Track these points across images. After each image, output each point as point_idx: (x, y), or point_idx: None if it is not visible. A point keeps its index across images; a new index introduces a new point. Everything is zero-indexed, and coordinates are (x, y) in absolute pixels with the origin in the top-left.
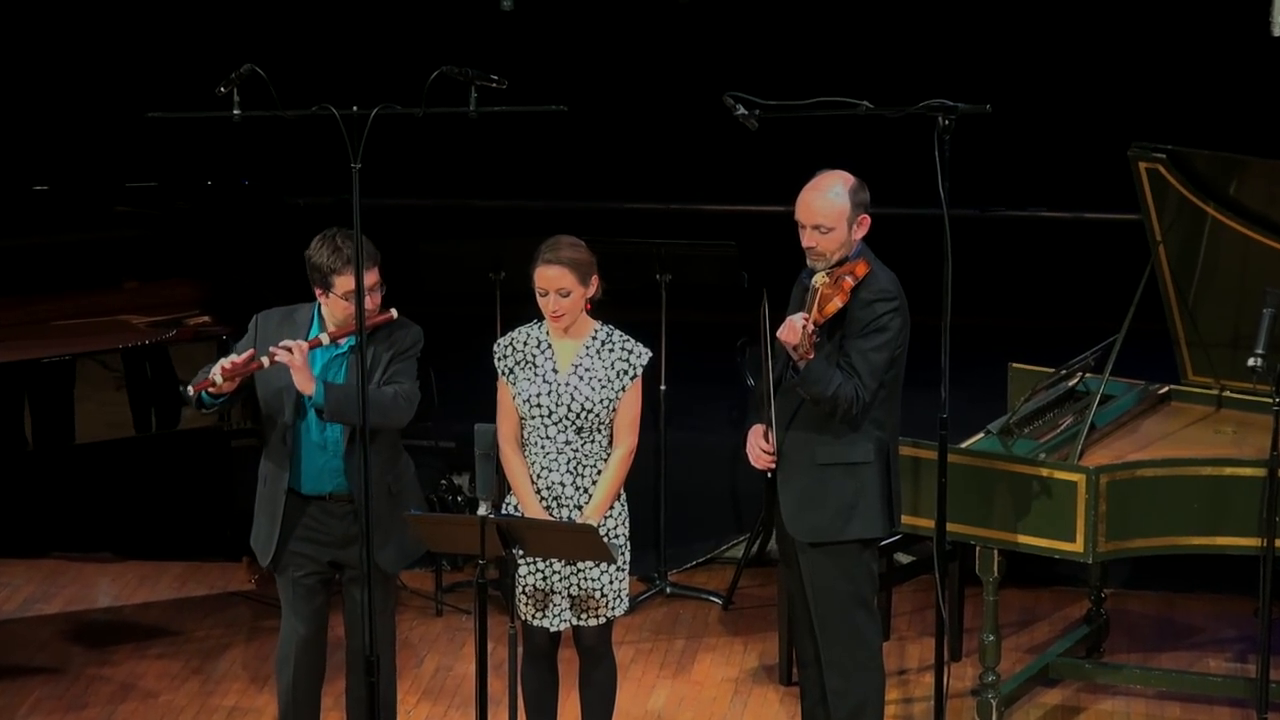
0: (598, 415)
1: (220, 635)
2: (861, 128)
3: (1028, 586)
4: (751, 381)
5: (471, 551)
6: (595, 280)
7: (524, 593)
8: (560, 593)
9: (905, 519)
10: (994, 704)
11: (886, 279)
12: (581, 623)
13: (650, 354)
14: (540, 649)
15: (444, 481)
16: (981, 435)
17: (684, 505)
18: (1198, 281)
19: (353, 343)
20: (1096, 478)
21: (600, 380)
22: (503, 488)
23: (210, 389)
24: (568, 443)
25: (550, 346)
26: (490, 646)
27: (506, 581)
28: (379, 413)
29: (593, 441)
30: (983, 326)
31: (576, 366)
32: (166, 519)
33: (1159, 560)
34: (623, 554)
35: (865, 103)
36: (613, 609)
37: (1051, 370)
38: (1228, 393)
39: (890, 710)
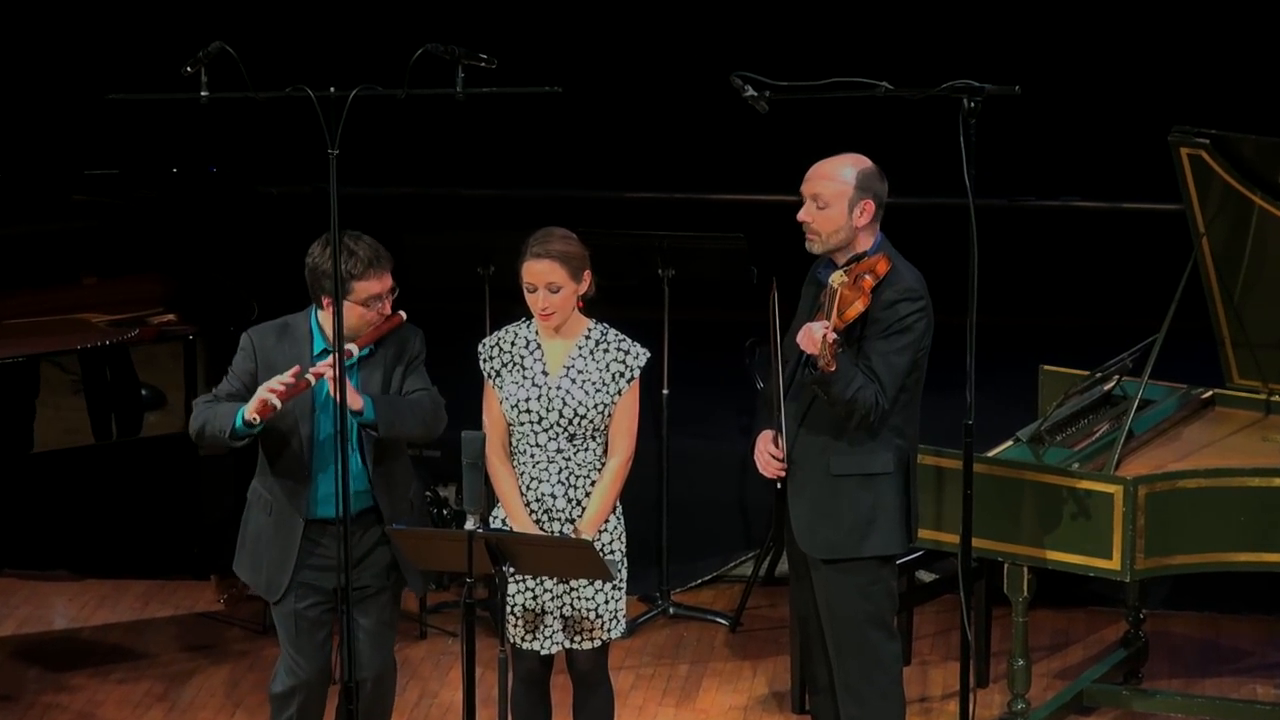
0: (591, 421)
1: (186, 660)
2: (880, 111)
3: (1060, 607)
4: (761, 384)
5: (458, 569)
6: (588, 276)
7: (513, 613)
8: (551, 613)
9: (928, 534)
10: None
11: (911, 277)
12: (575, 645)
13: (649, 354)
14: (532, 674)
15: (428, 493)
16: (1010, 443)
17: (688, 519)
18: (1244, 277)
19: (362, 354)
20: (1134, 489)
21: (594, 383)
22: (491, 500)
23: (268, 414)
24: (559, 451)
25: (540, 347)
26: (478, 672)
27: (496, 601)
28: (422, 422)
29: (586, 449)
30: (1011, 326)
31: (568, 368)
32: (128, 534)
33: (1202, 578)
34: (619, 572)
35: (884, 83)
36: (608, 631)
37: (1086, 373)
38: (1276, 397)
39: None
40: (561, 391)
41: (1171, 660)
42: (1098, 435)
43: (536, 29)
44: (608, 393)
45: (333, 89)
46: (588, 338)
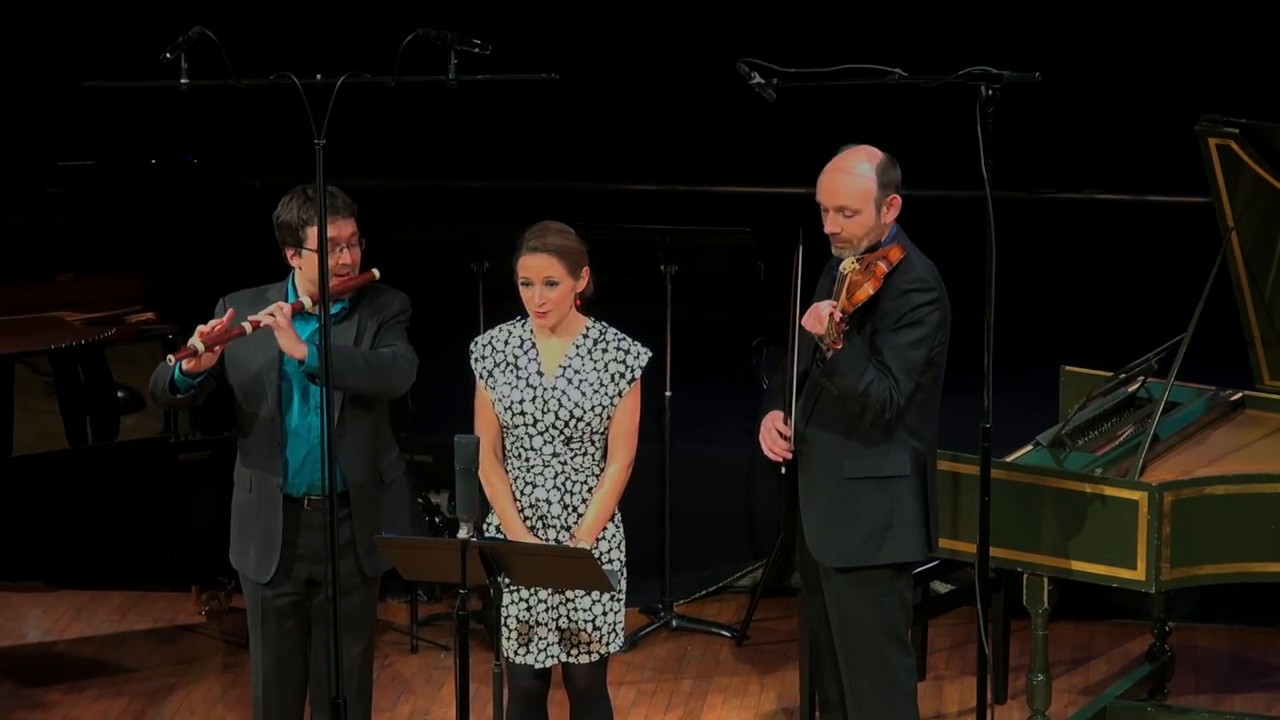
0: (588, 424)
1: (166, 674)
2: (893, 99)
3: (1082, 619)
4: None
5: (451, 579)
6: (586, 273)
7: (506, 626)
8: (546, 625)
9: (944, 543)
10: None
11: (924, 268)
12: (572, 660)
13: (650, 354)
14: (527, 691)
15: (420, 500)
16: (1030, 447)
17: (691, 527)
18: (1275, 272)
19: (335, 310)
20: (1160, 496)
21: (591, 384)
22: (486, 507)
23: (187, 360)
24: (555, 455)
25: (535, 346)
26: (472, 687)
27: (490, 613)
28: (376, 373)
29: (583, 454)
30: (1031, 324)
31: (564, 369)
32: (105, 543)
33: (1230, 590)
34: (619, 582)
35: (897, 70)
36: (607, 645)
37: (1109, 374)
38: None
39: None
40: (557, 393)
41: (1198, 675)
42: (1122, 439)
43: (532, 13)
44: (606, 394)
45: (319, 76)
46: (585, 337)
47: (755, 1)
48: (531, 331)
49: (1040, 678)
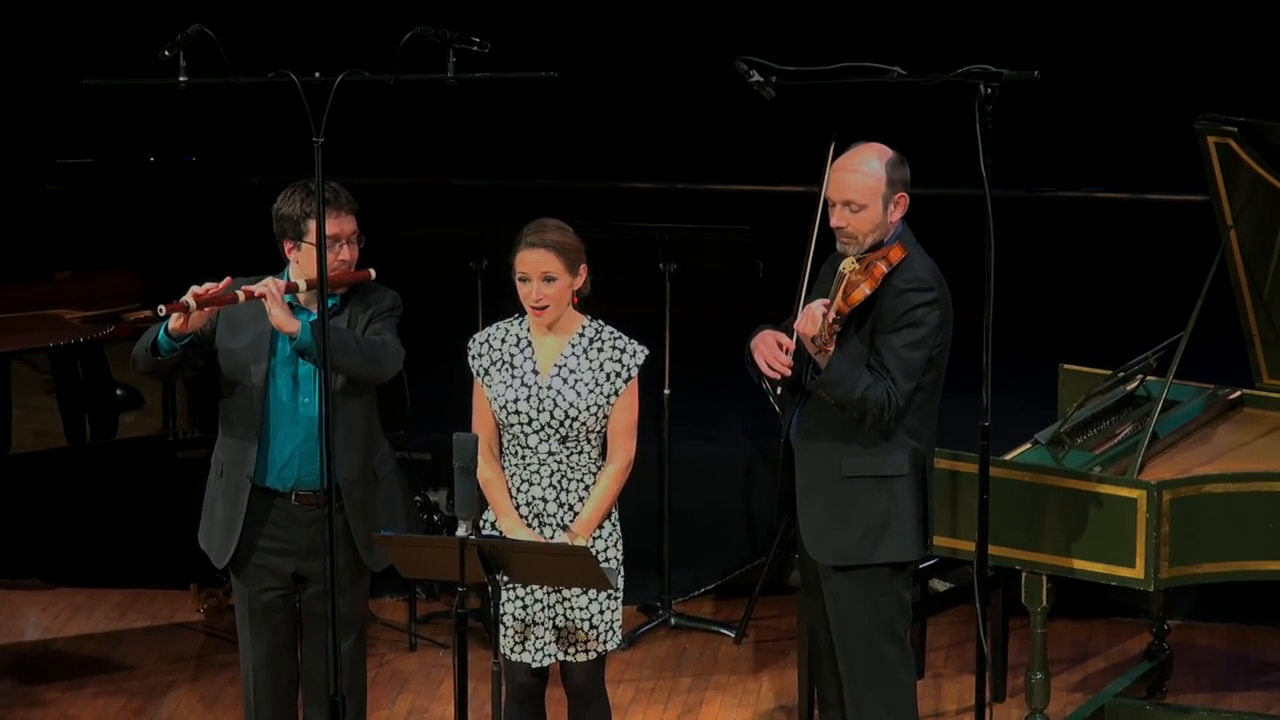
0: (584, 423)
1: (165, 672)
2: (892, 97)
3: (1080, 618)
4: (767, 385)
5: (450, 578)
6: (584, 271)
7: (502, 623)
8: (543, 624)
9: (942, 541)
10: None
11: (924, 268)
12: (569, 658)
13: (646, 352)
14: (524, 688)
15: (418, 499)
16: (1028, 446)
17: (690, 525)
18: (1274, 271)
19: (328, 306)
20: (1159, 494)
21: (587, 383)
22: (484, 505)
23: (175, 315)
24: (551, 453)
25: (530, 345)
26: (471, 685)
27: (489, 611)
28: (365, 357)
29: (580, 452)
30: (1030, 323)
31: (560, 368)
32: (103, 540)
33: (1229, 588)
34: (617, 580)
35: (896, 69)
36: (604, 643)
37: (1108, 372)
38: None
39: None
40: (552, 392)
41: (1197, 674)
42: (1120, 438)
43: (531, 11)
44: (601, 393)
45: (318, 74)
46: (581, 335)
47: (754, 0)
48: (528, 329)
49: (1039, 676)
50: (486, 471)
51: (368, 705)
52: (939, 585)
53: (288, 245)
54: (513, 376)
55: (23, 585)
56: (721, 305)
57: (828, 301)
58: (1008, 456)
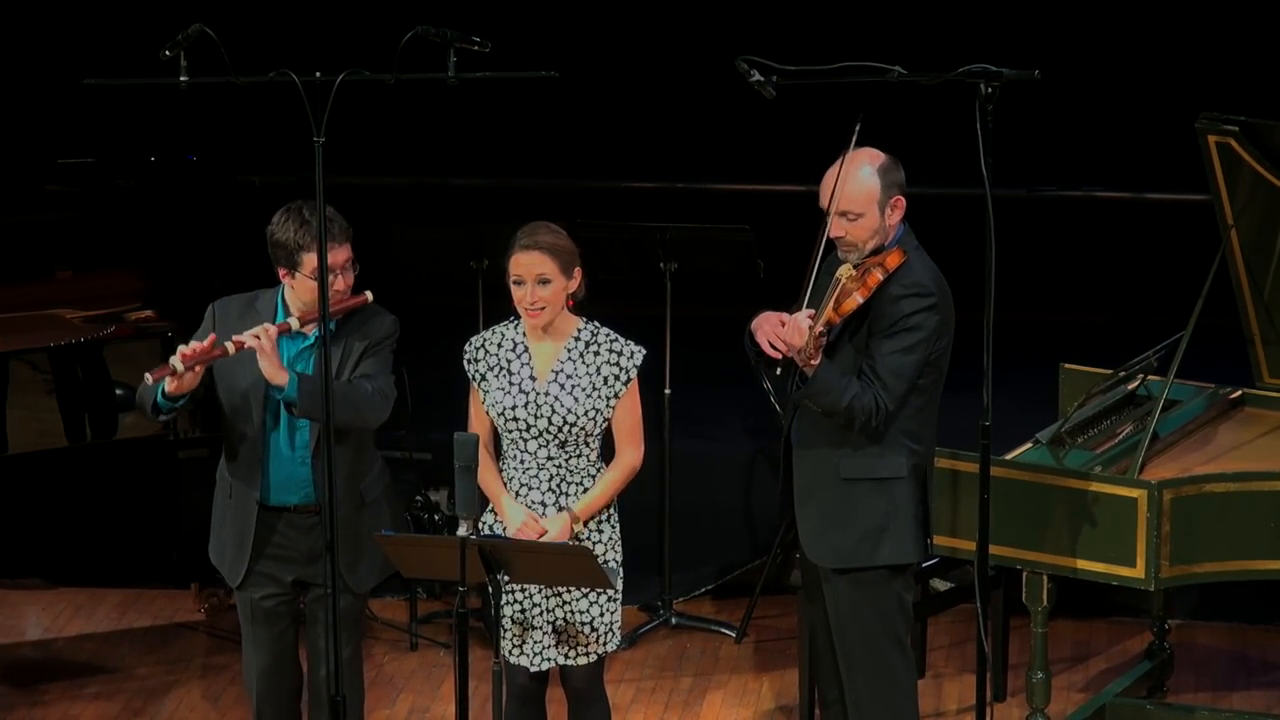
0: (582, 428)
1: (165, 672)
2: (893, 97)
3: (1081, 617)
4: (768, 385)
5: (450, 577)
6: (579, 274)
7: (501, 625)
8: (541, 627)
9: (943, 540)
10: None
11: (924, 273)
12: (569, 661)
13: (644, 352)
14: (524, 690)
15: (419, 498)
16: (1029, 445)
17: (691, 525)
18: (1274, 270)
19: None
20: (1159, 494)
21: (584, 388)
22: (484, 505)
23: (169, 379)
24: (550, 458)
25: (527, 350)
26: (471, 685)
27: (489, 611)
28: (352, 408)
29: (579, 456)
30: (1030, 322)
31: (557, 373)
32: (104, 540)
33: (1230, 588)
34: (617, 581)
35: (897, 68)
36: (604, 644)
37: (1109, 372)
38: None
39: None
40: (550, 398)
41: (1198, 673)
42: (1121, 437)
43: (532, 10)
44: (600, 397)
45: (318, 74)
46: (577, 339)
47: (754, 0)
48: (524, 334)
49: (1040, 675)
50: (485, 466)
51: (368, 705)
52: (940, 585)
53: (282, 272)
54: (510, 383)
55: (23, 585)
56: (722, 305)
57: (813, 313)
58: (1008, 456)
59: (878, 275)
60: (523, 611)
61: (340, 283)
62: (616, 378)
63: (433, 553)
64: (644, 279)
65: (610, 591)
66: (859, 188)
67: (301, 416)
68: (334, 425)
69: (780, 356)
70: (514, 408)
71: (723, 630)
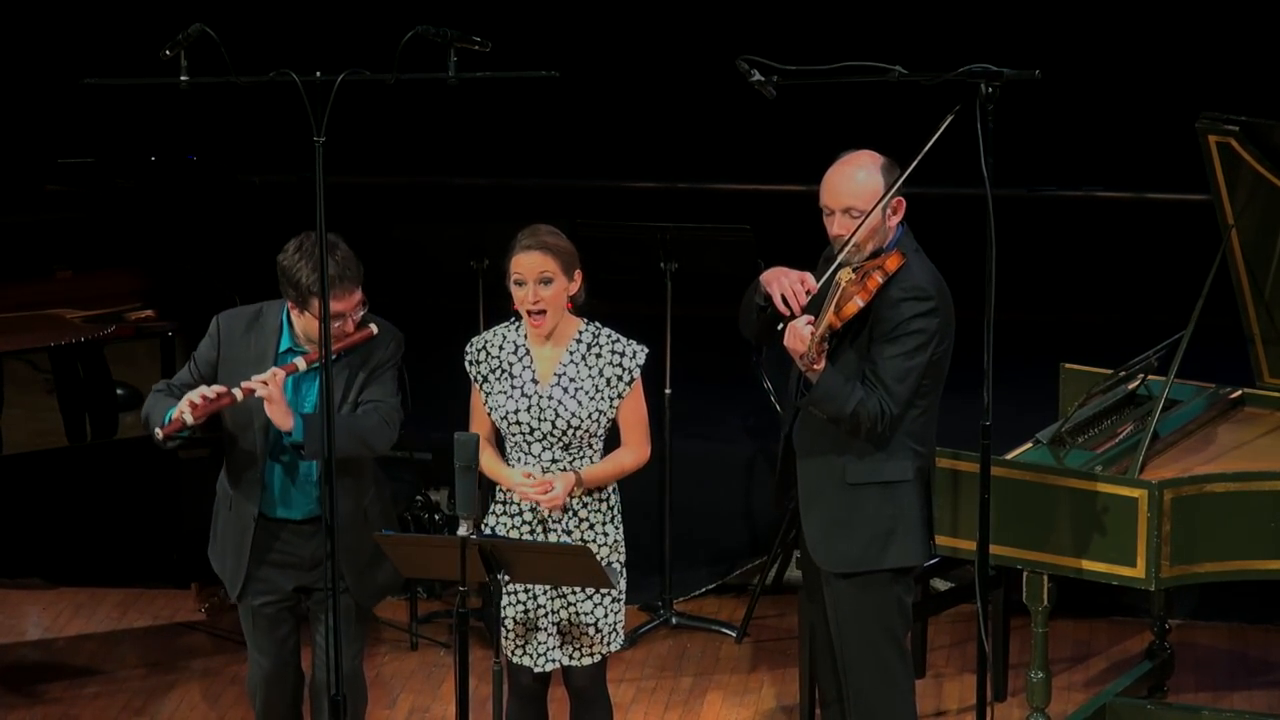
0: (587, 430)
1: (166, 672)
2: (893, 96)
3: (1081, 617)
4: (769, 385)
5: (450, 577)
6: (579, 276)
7: (504, 625)
8: (546, 629)
9: (943, 540)
10: None
11: (923, 275)
12: (572, 663)
13: (646, 351)
14: (526, 690)
15: (419, 498)
16: (1029, 445)
17: (691, 524)
18: (1275, 270)
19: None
20: (1160, 494)
21: (587, 391)
22: (485, 504)
23: (178, 429)
24: (554, 461)
25: (529, 353)
26: (472, 684)
27: (490, 611)
28: (358, 440)
29: (583, 458)
30: (1031, 322)
31: (560, 376)
32: (104, 540)
33: (1231, 588)
34: (619, 581)
35: (897, 68)
36: (607, 645)
37: (1109, 372)
38: None
39: None
40: (553, 402)
41: (1198, 673)
42: (1121, 437)
43: (532, 10)
44: (604, 399)
45: (319, 73)
46: (579, 341)
47: (754, 0)
48: (525, 336)
49: (1040, 675)
50: (486, 456)
51: (368, 705)
52: (940, 584)
53: (290, 304)
54: (512, 386)
55: (24, 585)
56: (723, 305)
57: (812, 319)
58: (1009, 456)
59: (877, 278)
60: (526, 612)
61: (349, 325)
62: (619, 378)
63: (433, 553)
64: (644, 279)
65: (614, 592)
66: (863, 186)
67: (310, 459)
68: (340, 457)
69: (788, 313)
70: (517, 411)
71: (723, 630)
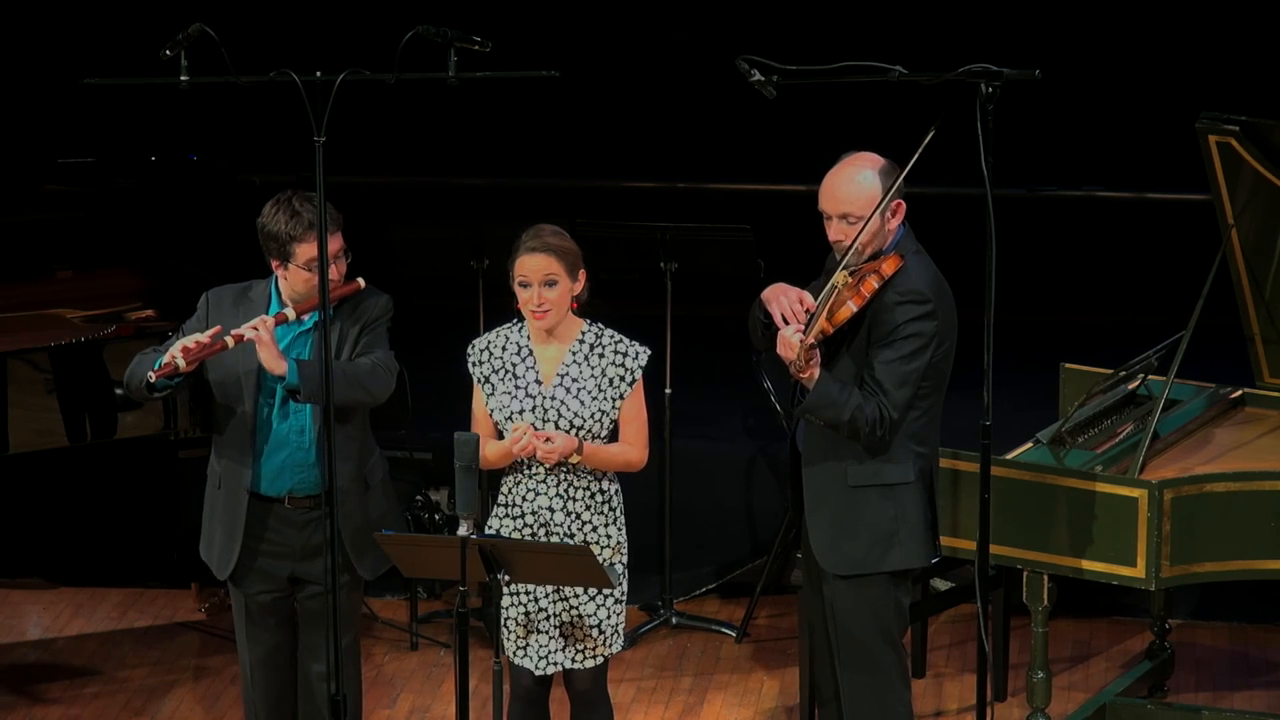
0: (590, 430)
1: (165, 672)
2: (893, 96)
3: (1082, 617)
4: (769, 384)
5: (451, 577)
6: (583, 276)
7: (505, 626)
8: (547, 632)
9: (944, 540)
10: None
11: (922, 278)
12: (574, 665)
13: (648, 352)
14: (527, 691)
15: (420, 497)
16: (1030, 445)
17: (691, 524)
18: (1275, 270)
19: (317, 318)
20: (1160, 493)
21: (590, 391)
22: (487, 504)
23: (170, 371)
24: (557, 462)
25: (532, 353)
26: (472, 684)
27: (490, 611)
28: (358, 386)
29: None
30: (1031, 321)
31: (562, 376)
32: (104, 540)
33: (1231, 587)
34: (620, 581)
35: (898, 68)
36: (609, 646)
37: (1109, 371)
38: None
39: None
40: (556, 402)
41: (1199, 673)
42: (1121, 437)
43: (532, 10)
44: (606, 399)
45: (319, 73)
46: (582, 342)
47: (754, 0)
48: (528, 337)
49: (1040, 675)
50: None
51: (368, 705)
52: (940, 584)
53: (274, 263)
54: (515, 387)
55: (24, 585)
56: (723, 304)
57: (801, 327)
58: (1009, 456)
59: (872, 283)
60: (527, 614)
61: (334, 271)
62: (622, 379)
63: (433, 553)
64: (644, 279)
65: (615, 593)
66: (861, 190)
67: (306, 401)
68: (339, 405)
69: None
70: (520, 412)
71: (723, 630)
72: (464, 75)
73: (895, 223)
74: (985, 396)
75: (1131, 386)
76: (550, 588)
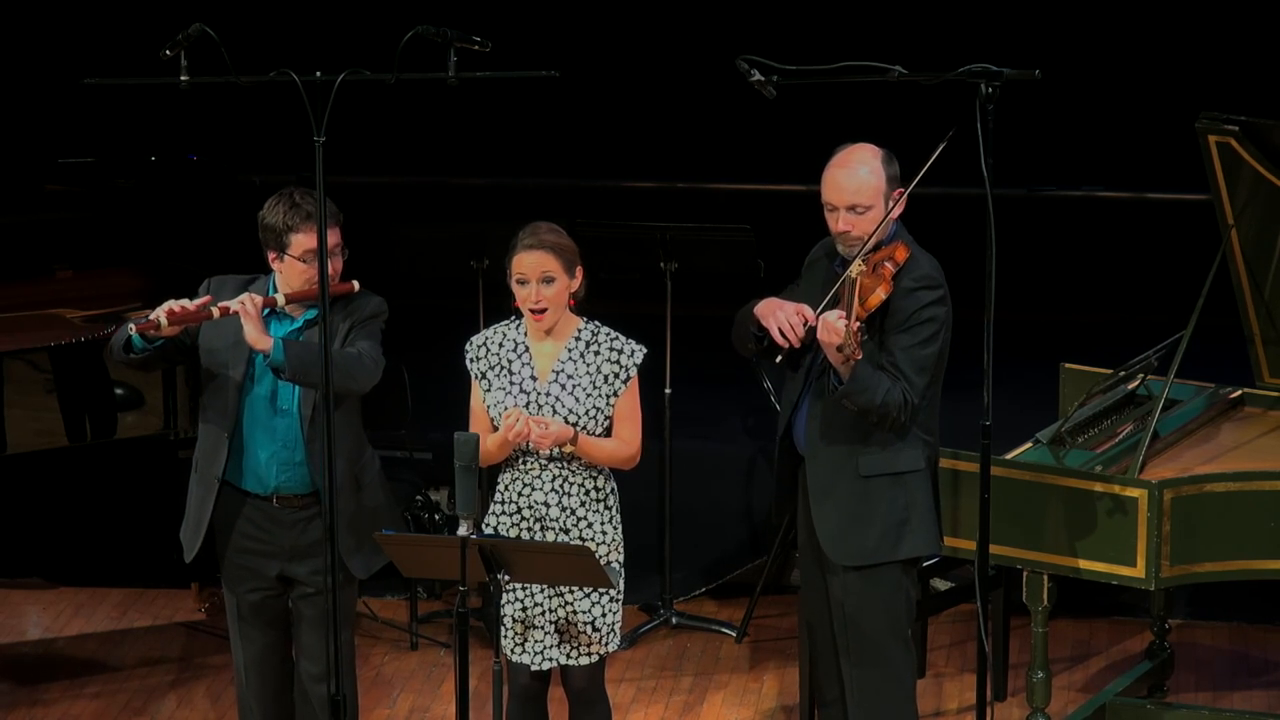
0: (584, 428)
1: (165, 672)
2: (893, 96)
3: (1081, 617)
4: (769, 385)
5: (451, 577)
6: (580, 273)
7: (503, 624)
8: (544, 628)
9: (944, 540)
10: None
11: (929, 264)
12: (570, 662)
13: (644, 350)
14: (526, 689)
15: (419, 497)
16: (1029, 445)
17: (691, 524)
18: (1275, 270)
19: (309, 316)
20: (1160, 493)
21: (585, 388)
22: (486, 503)
23: (152, 331)
24: (552, 458)
25: (528, 350)
26: (472, 684)
27: (490, 611)
28: (342, 372)
29: (579, 456)
30: (1031, 321)
31: (558, 373)
32: (105, 540)
33: (1230, 587)
34: (618, 581)
35: (897, 68)
36: (606, 644)
37: (1109, 371)
38: None
39: None
40: (551, 398)
41: (1198, 673)
42: (1121, 437)
43: (532, 10)
44: (600, 395)
45: (319, 73)
46: (578, 339)
47: (754, 0)
48: (525, 334)
49: (1040, 675)
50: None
51: (368, 705)
52: (940, 584)
53: (271, 255)
54: (511, 383)
55: (24, 585)
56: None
57: (842, 312)
58: (1009, 456)
59: (890, 268)
60: (524, 610)
61: (329, 266)
62: (616, 375)
63: (433, 553)
64: (644, 279)
65: (612, 592)
66: (866, 181)
67: (290, 380)
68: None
69: (787, 346)
70: (516, 408)
71: (723, 630)
72: (464, 75)
73: (898, 211)
74: (985, 396)
75: (1131, 386)
76: (548, 585)
